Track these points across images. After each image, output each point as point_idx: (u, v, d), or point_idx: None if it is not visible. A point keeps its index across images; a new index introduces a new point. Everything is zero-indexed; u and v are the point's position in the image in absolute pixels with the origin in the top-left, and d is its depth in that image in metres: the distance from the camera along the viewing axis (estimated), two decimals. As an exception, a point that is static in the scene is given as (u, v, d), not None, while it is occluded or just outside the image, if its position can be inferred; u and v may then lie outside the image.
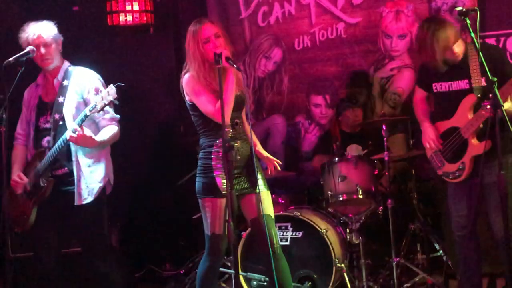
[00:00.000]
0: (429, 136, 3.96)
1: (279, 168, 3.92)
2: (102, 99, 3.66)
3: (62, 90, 3.97)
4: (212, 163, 3.66)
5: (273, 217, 3.77)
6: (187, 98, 3.72)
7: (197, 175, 3.78)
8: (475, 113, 3.74)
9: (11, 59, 3.74)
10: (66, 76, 4.03)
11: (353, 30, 5.80)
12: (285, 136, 6.14)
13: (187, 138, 5.65)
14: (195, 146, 5.34)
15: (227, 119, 3.51)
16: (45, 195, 3.91)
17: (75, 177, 3.92)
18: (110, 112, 3.98)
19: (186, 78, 3.69)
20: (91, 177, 3.96)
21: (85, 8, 6.08)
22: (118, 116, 4.04)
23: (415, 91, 4.20)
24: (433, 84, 3.94)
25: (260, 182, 3.76)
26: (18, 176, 3.99)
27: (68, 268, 4.30)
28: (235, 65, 3.50)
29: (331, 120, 5.86)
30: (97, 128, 3.96)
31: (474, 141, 3.76)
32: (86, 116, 3.74)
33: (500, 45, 5.46)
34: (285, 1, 5.93)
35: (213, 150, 3.67)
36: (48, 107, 4.01)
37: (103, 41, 6.06)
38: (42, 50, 3.93)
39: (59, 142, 3.82)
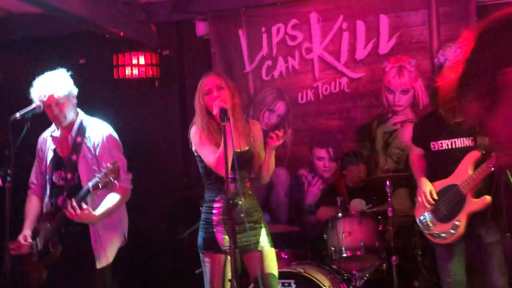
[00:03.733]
0: (423, 189, 3.94)
1: (280, 137, 3.67)
2: (106, 176, 3.60)
3: (75, 147, 3.87)
4: (213, 218, 3.66)
5: (276, 276, 3.73)
6: (193, 149, 3.75)
7: (199, 229, 3.77)
8: (475, 170, 3.73)
9: (17, 114, 3.74)
10: (80, 132, 3.91)
11: (356, 85, 5.86)
12: (288, 189, 6.13)
13: (191, 190, 5.64)
14: (198, 199, 5.35)
15: (223, 172, 3.43)
16: (54, 260, 3.82)
17: (91, 239, 3.82)
18: (123, 171, 3.87)
19: (192, 129, 3.75)
20: (107, 238, 3.88)
21: (91, 61, 6.17)
22: (131, 175, 3.96)
23: (411, 149, 4.22)
24: (431, 143, 3.92)
25: (264, 239, 3.73)
26: (23, 237, 3.88)
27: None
28: (228, 120, 3.42)
29: (336, 173, 5.85)
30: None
31: (472, 198, 3.73)
32: (88, 192, 3.66)
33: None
34: (289, 56, 6.00)
35: (214, 205, 3.68)
36: (63, 163, 3.91)
37: (109, 94, 6.12)
38: (55, 110, 3.83)
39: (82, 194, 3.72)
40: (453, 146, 3.86)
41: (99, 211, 3.76)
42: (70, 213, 3.64)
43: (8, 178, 3.57)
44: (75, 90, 3.95)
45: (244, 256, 3.71)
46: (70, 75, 3.99)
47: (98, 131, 3.94)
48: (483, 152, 3.73)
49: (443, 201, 3.86)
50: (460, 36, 5.65)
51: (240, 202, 3.60)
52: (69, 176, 3.83)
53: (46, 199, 3.95)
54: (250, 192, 3.78)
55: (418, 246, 5.02)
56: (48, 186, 3.93)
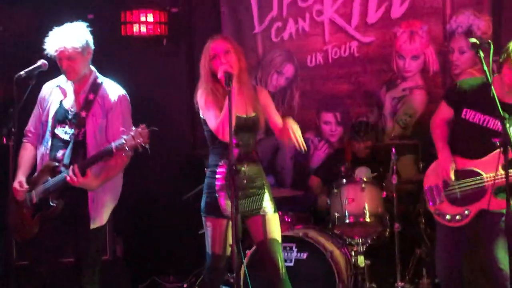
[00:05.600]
0: (445, 166, 3.66)
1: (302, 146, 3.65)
2: (133, 139, 3.49)
3: (86, 104, 3.78)
4: (216, 183, 3.65)
5: (280, 241, 3.73)
6: (200, 112, 3.72)
7: (202, 193, 3.78)
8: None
9: (22, 72, 3.64)
10: (92, 89, 3.82)
11: (366, 49, 5.78)
12: (293, 152, 6.12)
13: (197, 151, 5.64)
14: (204, 160, 5.36)
15: (225, 137, 3.44)
16: (53, 215, 3.74)
17: (89, 199, 3.78)
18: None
19: (198, 92, 3.71)
20: (104, 200, 3.84)
21: (99, 17, 6.09)
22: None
23: (440, 109, 3.85)
24: (464, 109, 3.64)
25: (268, 204, 3.73)
26: (19, 183, 3.80)
27: (66, 279, 4.07)
28: (230, 86, 3.39)
29: (343, 138, 5.82)
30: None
31: (492, 195, 3.49)
32: (111, 152, 3.57)
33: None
34: (299, 17, 5.91)
35: (217, 170, 3.66)
36: (70, 117, 3.81)
37: (116, 51, 6.06)
38: (65, 64, 3.72)
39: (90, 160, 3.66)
40: (484, 124, 3.57)
41: (99, 178, 3.71)
42: (72, 179, 3.60)
43: (12, 136, 3.52)
44: (91, 46, 3.84)
45: (247, 221, 3.72)
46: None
47: (113, 92, 3.85)
48: None
49: (460, 184, 3.64)
50: (474, 3, 5.47)
51: (243, 168, 3.59)
52: (76, 131, 3.76)
53: (43, 150, 3.85)
54: (254, 158, 3.76)
55: (421, 213, 5.04)
56: (49, 138, 3.83)
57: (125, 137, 3.51)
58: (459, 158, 3.69)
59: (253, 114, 3.70)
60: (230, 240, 3.44)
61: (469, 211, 3.61)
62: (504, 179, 3.17)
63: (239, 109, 3.61)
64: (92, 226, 3.81)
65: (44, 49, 3.80)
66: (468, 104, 3.64)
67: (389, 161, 4.90)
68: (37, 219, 3.80)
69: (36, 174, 3.88)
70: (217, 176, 3.66)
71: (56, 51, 3.70)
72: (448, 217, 3.68)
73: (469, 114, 3.63)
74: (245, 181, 3.60)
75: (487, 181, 3.54)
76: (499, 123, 3.41)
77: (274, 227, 3.72)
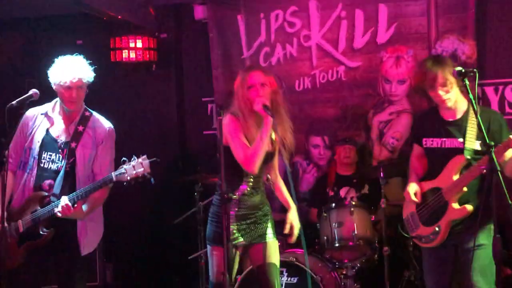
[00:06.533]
0: (407, 189, 3.84)
1: (294, 233, 3.85)
2: (134, 169, 3.55)
3: (76, 135, 3.85)
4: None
5: (278, 266, 3.80)
6: (221, 138, 3.66)
7: (209, 221, 3.81)
8: (460, 175, 3.64)
9: (14, 102, 3.62)
10: (82, 121, 3.89)
11: (353, 74, 5.86)
12: (283, 176, 6.13)
13: (186, 176, 5.67)
14: (193, 184, 5.39)
15: (256, 170, 3.56)
16: (43, 243, 3.76)
17: (78, 228, 3.82)
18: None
19: (227, 117, 3.71)
20: (91, 228, 3.89)
21: (88, 43, 6.14)
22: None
23: (413, 148, 4.05)
24: (423, 139, 3.84)
25: (270, 231, 3.81)
26: None
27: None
28: (269, 114, 3.52)
29: (329, 162, 5.88)
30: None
31: (454, 205, 3.63)
32: (111, 181, 3.62)
33: (498, 94, 5.53)
34: (287, 43, 5.99)
35: None
36: (58, 147, 3.84)
37: (106, 77, 6.07)
38: (74, 93, 3.79)
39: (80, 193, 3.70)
40: (443, 146, 3.75)
41: (86, 208, 3.77)
42: (64, 211, 3.64)
43: (5, 166, 3.53)
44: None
45: (249, 250, 3.78)
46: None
47: (103, 125, 3.93)
48: (468, 157, 3.61)
49: (427, 204, 3.79)
50: (458, 28, 5.58)
51: (235, 197, 3.65)
52: (65, 161, 3.80)
53: (25, 176, 3.85)
54: (262, 188, 3.84)
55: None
56: (33, 165, 3.84)
57: (125, 166, 3.57)
58: (423, 182, 3.84)
59: (270, 149, 3.74)
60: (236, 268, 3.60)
61: (439, 226, 3.69)
62: (460, 186, 3.52)
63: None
64: (83, 253, 3.86)
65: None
66: (425, 134, 3.83)
67: (376, 183, 4.96)
68: (24, 249, 3.79)
69: (23, 203, 3.84)
70: None
71: (71, 80, 3.76)
72: (423, 239, 3.78)
73: (428, 142, 3.81)
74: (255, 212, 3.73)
75: (445, 194, 3.67)
76: (455, 141, 3.67)
77: (274, 253, 3.80)
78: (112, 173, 3.64)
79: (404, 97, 5.75)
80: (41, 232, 3.75)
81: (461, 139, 3.67)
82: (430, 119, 3.85)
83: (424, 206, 3.80)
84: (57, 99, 3.94)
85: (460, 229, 3.66)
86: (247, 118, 3.67)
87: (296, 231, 3.81)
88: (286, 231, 3.83)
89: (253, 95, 3.65)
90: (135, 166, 3.55)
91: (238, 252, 3.74)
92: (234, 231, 3.67)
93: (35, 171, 3.84)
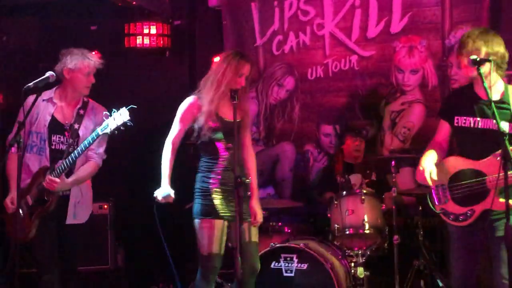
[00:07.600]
0: (423, 165, 3.63)
1: (259, 220, 4.05)
2: (114, 120, 3.84)
3: (78, 118, 4.19)
4: (210, 187, 3.91)
5: (258, 243, 4.03)
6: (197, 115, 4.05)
7: (195, 196, 4.00)
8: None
9: (31, 84, 3.72)
10: (83, 106, 4.24)
11: (366, 63, 5.87)
12: (293, 164, 6.19)
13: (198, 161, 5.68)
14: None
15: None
16: (49, 210, 4.04)
17: (70, 197, 4.13)
18: (102, 148, 4.19)
19: (192, 98, 4.12)
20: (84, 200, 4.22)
21: (103, 28, 6.17)
22: (105, 156, 4.25)
23: (439, 127, 3.84)
24: (455, 117, 3.68)
25: (248, 210, 3.99)
26: (11, 199, 4.06)
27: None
28: (235, 100, 3.82)
29: (335, 152, 5.89)
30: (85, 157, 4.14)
31: (495, 196, 3.47)
32: (97, 135, 3.93)
33: (512, 85, 5.51)
34: (300, 31, 6.00)
35: (211, 175, 3.93)
36: (64, 129, 4.16)
37: (119, 62, 6.13)
38: (92, 79, 4.19)
39: (65, 164, 3.98)
40: (476, 126, 3.60)
41: (71, 178, 4.07)
42: (47, 185, 3.96)
43: (21, 147, 3.64)
44: None
45: (232, 224, 3.91)
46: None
47: (101, 108, 4.21)
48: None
49: (465, 185, 3.62)
50: (472, 18, 5.48)
51: (248, 180, 3.73)
52: (71, 141, 4.11)
53: (40, 158, 4.13)
54: (240, 162, 3.98)
55: (420, 226, 5.09)
56: (45, 147, 4.13)
57: (107, 120, 3.88)
58: (466, 160, 3.66)
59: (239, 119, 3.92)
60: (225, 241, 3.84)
61: (473, 211, 3.58)
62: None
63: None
64: (74, 221, 4.16)
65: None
66: (458, 112, 3.68)
67: (384, 171, 4.98)
68: (35, 217, 4.07)
69: (29, 181, 4.12)
70: (210, 181, 3.91)
71: (99, 64, 4.20)
72: (452, 217, 3.66)
73: (460, 121, 3.67)
74: (248, 193, 3.87)
75: (490, 183, 3.53)
76: (489, 122, 3.51)
77: (255, 231, 4.03)
78: (98, 128, 3.93)
79: (417, 87, 5.75)
80: (45, 198, 4.03)
81: (494, 121, 3.43)
82: (463, 97, 3.68)
83: (460, 186, 3.64)
84: (58, 85, 4.21)
85: (493, 217, 3.54)
86: (225, 94, 3.92)
87: (259, 218, 4.02)
88: (252, 219, 4.00)
89: (239, 82, 3.93)
90: (116, 118, 3.84)
91: (226, 223, 3.90)
92: (223, 205, 3.87)
93: (47, 153, 4.14)
